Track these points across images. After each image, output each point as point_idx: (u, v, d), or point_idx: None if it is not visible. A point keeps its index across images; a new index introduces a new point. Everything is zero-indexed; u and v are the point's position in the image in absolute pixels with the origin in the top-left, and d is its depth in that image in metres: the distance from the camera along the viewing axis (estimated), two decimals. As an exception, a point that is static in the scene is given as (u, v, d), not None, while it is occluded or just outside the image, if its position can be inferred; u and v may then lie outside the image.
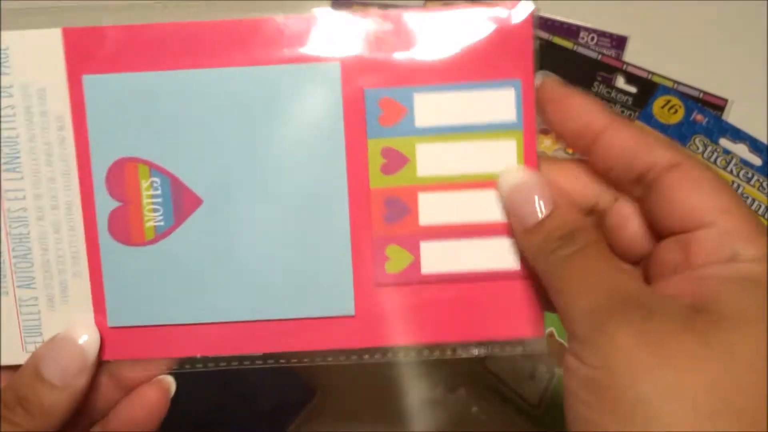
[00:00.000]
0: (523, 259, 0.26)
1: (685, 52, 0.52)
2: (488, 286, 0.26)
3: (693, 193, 0.24)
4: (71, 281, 0.26)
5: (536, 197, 0.25)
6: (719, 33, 0.52)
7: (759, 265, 0.22)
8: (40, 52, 0.25)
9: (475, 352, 0.26)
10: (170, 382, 0.27)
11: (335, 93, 0.25)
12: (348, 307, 0.26)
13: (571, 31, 0.52)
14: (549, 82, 0.26)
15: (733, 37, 0.52)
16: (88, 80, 0.25)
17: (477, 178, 0.26)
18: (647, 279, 0.26)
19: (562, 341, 0.43)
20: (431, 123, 0.25)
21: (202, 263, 0.26)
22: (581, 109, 0.25)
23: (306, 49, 0.25)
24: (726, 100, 0.50)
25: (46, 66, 0.25)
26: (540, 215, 0.24)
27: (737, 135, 0.50)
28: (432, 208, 0.26)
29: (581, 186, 0.26)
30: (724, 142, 0.50)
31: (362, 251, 0.26)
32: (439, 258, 0.26)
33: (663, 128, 0.50)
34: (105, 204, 0.26)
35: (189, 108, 0.25)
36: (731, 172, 0.49)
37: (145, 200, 0.26)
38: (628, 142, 0.25)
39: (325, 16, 0.25)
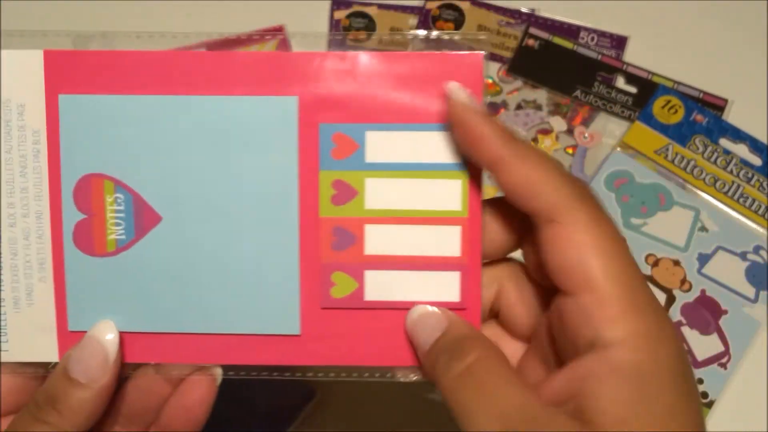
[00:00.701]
0: (463, 292, 0.27)
1: (685, 52, 0.51)
2: None
3: (568, 253, 0.23)
4: (37, 285, 0.27)
5: (432, 322, 0.25)
6: (719, 33, 0.52)
7: (626, 351, 0.22)
8: (22, 71, 0.27)
9: (414, 377, 0.27)
10: (216, 371, 0.28)
11: (292, 125, 0.26)
12: (293, 327, 0.27)
13: (571, 31, 0.52)
14: (458, 104, 0.25)
15: (733, 37, 0.51)
16: (64, 99, 0.27)
17: (422, 214, 0.27)
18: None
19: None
20: (381, 159, 0.26)
21: (158, 276, 0.27)
22: (483, 138, 0.24)
23: (267, 83, 0.26)
24: (726, 100, 0.50)
25: (26, 83, 0.27)
26: (435, 337, 0.25)
27: (737, 135, 0.49)
28: (377, 240, 0.27)
29: (497, 227, 0.27)
30: (724, 142, 0.49)
31: (311, 275, 0.27)
32: (382, 287, 0.27)
33: (663, 128, 0.49)
34: (71, 215, 0.27)
35: (155, 131, 0.27)
36: (731, 172, 0.49)
37: (109, 215, 0.27)
38: (521, 180, 0.23)
39: (286, 52, 0.27)
